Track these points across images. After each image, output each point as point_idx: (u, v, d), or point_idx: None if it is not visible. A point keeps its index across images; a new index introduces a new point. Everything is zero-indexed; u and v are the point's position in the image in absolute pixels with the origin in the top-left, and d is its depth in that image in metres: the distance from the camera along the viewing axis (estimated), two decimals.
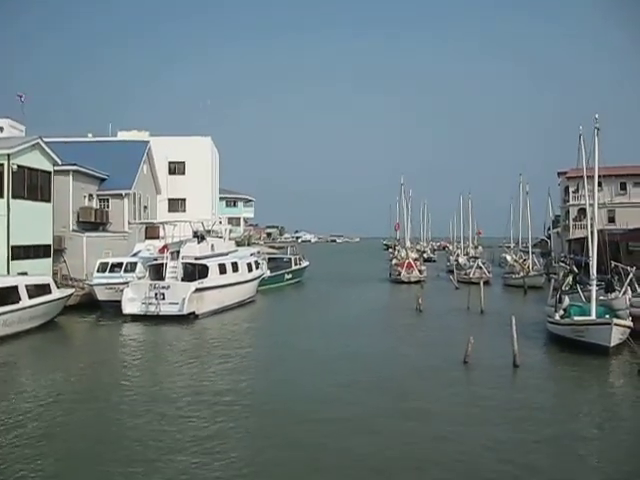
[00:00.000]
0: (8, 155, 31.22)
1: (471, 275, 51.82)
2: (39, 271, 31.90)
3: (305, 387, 17.53)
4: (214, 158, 63.65)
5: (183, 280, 32.61)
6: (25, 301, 26.16)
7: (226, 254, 37.90)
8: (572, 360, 20.95)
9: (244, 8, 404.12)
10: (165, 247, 34.33)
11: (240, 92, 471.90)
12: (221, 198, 75.86)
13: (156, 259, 34.39)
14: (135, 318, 30.37)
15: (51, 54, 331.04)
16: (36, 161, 33.98)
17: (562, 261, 47.70)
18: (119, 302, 31.25)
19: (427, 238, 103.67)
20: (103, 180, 44.27)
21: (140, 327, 28.82)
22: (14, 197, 31.73)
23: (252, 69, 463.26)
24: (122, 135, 56.18)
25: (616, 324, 21.06)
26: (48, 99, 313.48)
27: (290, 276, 52.11)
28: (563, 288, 26.96)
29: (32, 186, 33.70)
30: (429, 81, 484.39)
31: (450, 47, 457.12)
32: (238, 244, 56.08)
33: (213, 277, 33.42)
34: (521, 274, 49.45)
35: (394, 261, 61.66)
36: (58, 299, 29.04)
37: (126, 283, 32.38)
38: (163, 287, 31.19)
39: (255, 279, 39.67)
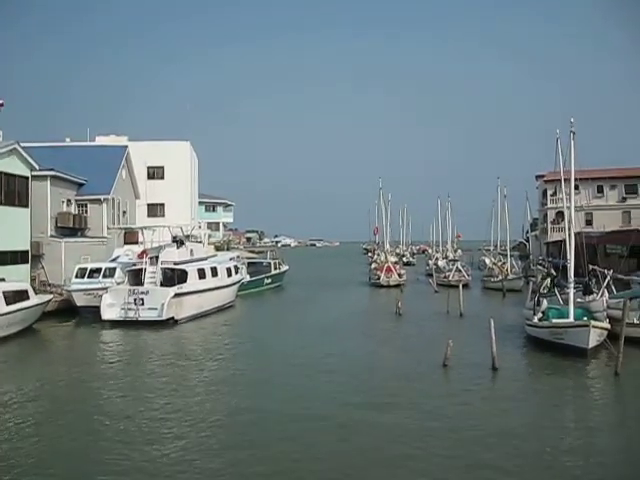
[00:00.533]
0: None
1: (450, 278, 52.12)
2: (17, 277, 31.49)
3: (283, 391, 17.48)
4: (193, 163, 63.41)
5: (162, 285, 32.48)
6: (2, 308, 25.83)
7: (205, 259, 37.81)
8: (550, 362, 21.17)
9: (244, 8, 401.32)
10: (144, 252, 34.20)
11: (240, 92, 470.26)
12: (200, 203, 75.55)
13: (135, 264, 34.26)
14: (114, 324, 30.19)
15: (51, 54, 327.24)
16: (13, 166, 33.63)
17: (540, 264, 48.16)
18: (98, 308, 31.12)
19: (407, 242, 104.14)
20: (81, 185, 43.84)
21: (119, 333, 28.61)
22: None
23: (252, 69, 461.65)
24: (100, 140, 55.82)
25: (594, 326, 21.29)
26: (48, 99, 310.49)
27: (270, 280, 51.95)
28: (541, 291, 27.24)
29: (9, 191, 33.34)
30: (429, 81, 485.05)
31: (450, 47, 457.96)
32: (217, 249, 56.02)
33: (192, 282, 33.27)
34: (500, 277, 49.73)
35: (373, 265, 61.88)
36: (36, 305, 28.69)
37: (105, 289, 32.23)
38: (142, 292, 31.08)
39: (234, 284, 39.57)
